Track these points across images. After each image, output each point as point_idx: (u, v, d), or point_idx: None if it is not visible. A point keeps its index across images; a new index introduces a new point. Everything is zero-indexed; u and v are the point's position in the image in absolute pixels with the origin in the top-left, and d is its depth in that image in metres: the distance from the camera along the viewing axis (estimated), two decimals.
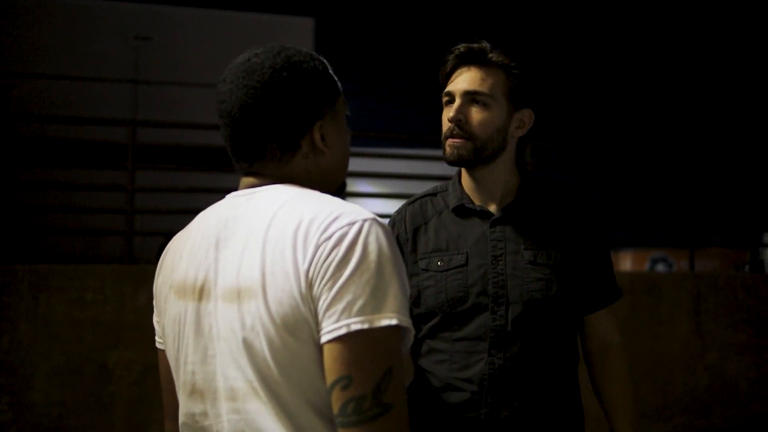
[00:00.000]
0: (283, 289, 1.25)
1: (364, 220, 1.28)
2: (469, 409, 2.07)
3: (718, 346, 6.66)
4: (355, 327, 1.20)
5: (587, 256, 2.16)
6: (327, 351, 1.22)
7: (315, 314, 1.24)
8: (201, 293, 1.38)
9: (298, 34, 22.25)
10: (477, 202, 2.18)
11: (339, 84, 1.50)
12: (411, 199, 2.32)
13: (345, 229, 1.26)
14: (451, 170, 2.23)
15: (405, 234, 2.22)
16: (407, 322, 1.25)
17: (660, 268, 26.82)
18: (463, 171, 2.21)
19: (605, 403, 2.23)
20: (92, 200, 8.17)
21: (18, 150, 7.45)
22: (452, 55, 2.12)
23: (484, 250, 2.11)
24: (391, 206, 4.41)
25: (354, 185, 17.96)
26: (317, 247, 1.25)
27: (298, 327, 1.24)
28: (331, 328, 1.21)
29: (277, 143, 1.41)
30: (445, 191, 2.27)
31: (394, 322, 1.22)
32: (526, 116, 2.17)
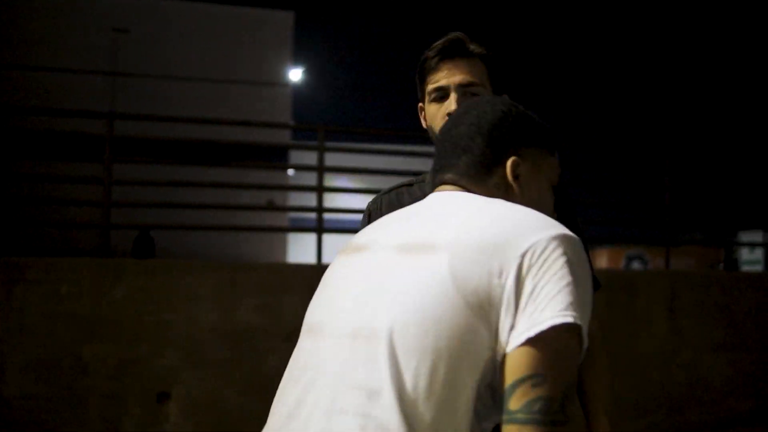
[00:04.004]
0: (478, 258, 1.23)
1: (578, 239, 1.29)
2: None
3: (692, 343, 6.71)
4: (572, 320, 1.18)
5: None
6: (527, 345, 1.17)
7: (513, 299, 1.20)
8: (362, 248, 1.41)
9: (278, 28, 22.18)
10: None
11: (554, 148, 1.56)
12: (386, 189, 2.31)
13: (567, 237, 1.27)
14: (428, 166, 2.23)
15: None
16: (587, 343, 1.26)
17: (636, 265, 27.00)
18: None
19: (582, 397, 2.22)
20: (69, 192, 8.11)
21: None
22: (435, 50, 2.13)
23: None
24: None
25: (332, 180, 17.94)
26: (539, 239, 1.24)
27: (477, 296, 1.21)
28: (555, 314, 1.18)
29: (474, 161, 1.46)
30: (421, 182, 2.27)
31: (586, 335, 1.23)
32: None
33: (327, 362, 1.29)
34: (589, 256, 2.29)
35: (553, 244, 1.24)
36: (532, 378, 1.16)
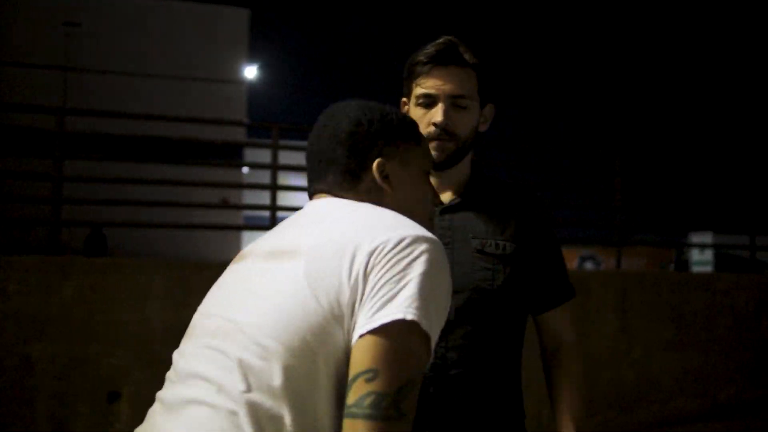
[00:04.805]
0: (331, 260, 1.28)
1: (434, 240, 1.32)
2: None
3: (643, 342, 6.80)
4: (409, 317, 1.20)
5: (538, 253, 2.17)
6: (363, 341, 1.21)
7: (359, 297, 1.24)
8: (242, 257, 1.48)
9: (233, 25, 22.04)
10: None
11: (419, 138, 1.62)
12: None
13: (419, 238, 1.30)
14: None
15: None
16: (433, 346, 1.27)
17: (588, 265, 27.31)
18: None
19: (553, 402, 2.21)
20: (18, 189, 7.98)
21: None
22: (428, 55, 2.09)
23: None
24: None
25: (286, 179, 17.88)
26: (387, 240, 1.28)
27: (329, 301, 1.25)
28: (387, 312, 1.21)
29: (341, 171, 1.50)
30: None
31: (433, 335, 1.25)
32: (488, 112, 2.19)
33: (187, 359, 1.37)
34: (563, 259, 2.28)
35: (402, 243, 1.28)
36: (366, 373, 1.19)
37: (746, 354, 7.37)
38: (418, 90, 2.11)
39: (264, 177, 7.35)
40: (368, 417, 1.16)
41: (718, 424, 6.95)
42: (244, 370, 1.23)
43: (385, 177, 1.51)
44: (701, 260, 23.46)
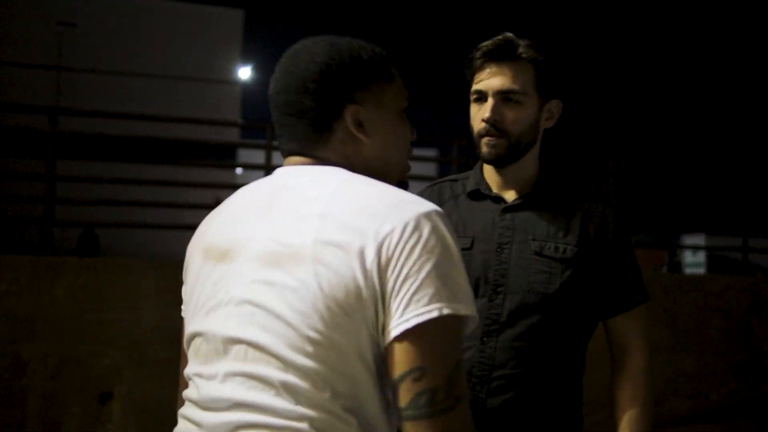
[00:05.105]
0: (341, 261, 1.21)
1: (435, 211, 1.26)
2: None
3: None
4: (446, 311, 1.18)
5: (607, 256, 2.11)
6: (401, 341, 1.18)
7: (380, 296, 1.21)
8: (227, 254, 1.35)
9: (227, 26, 22.01)
10: (495, 190, 2.15)
11: (392, 74, 1.46)
12: (431, 183, 2.29)
13: (421, 216, 1.24)
14: None
15: None
16: (475, 311, 1.25)
17: None
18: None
19: (613, 409, 2.18)
20: (11, 188, 7.96)
21: None
22: (480, 51, 2.07)
23: (490, 237, 2.08)
24: None
25: None
26: (392, 229, 1.22)
27: (348, 301, 1.21)
28: (419, 312, 1.18)
29: (311, 123, 1.38)
30: (465, 179, 2.24)
31: (469, 312, 1.22)
32: (554, 107, 2.15)
33: (216, 384, 1.30)
34: (635, 263, 2.19)
35: (408, 229, 1.22)
36: (412, 372, 1.17)
37: (738, 355, 7.39)
38: (473, 87, 2.10)
39: (257, 178, 7.34)
40: (428, 416, 1.16)
41: (711, 426, 6.96)
42: (292, 392, 1.21)
43: (359, 125, 1.39)
44: (694, 262, 23.47)
